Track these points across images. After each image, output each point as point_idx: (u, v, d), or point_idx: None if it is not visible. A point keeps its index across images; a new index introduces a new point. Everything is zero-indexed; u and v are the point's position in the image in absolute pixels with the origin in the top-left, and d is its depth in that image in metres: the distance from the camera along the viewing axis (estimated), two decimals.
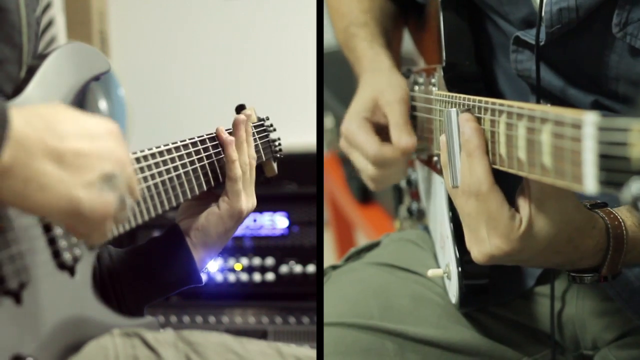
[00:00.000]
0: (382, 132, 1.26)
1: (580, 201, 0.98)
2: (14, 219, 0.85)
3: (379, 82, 1.30)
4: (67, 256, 0.92)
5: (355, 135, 1.26)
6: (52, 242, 0.90)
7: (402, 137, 1.22)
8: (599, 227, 0.99)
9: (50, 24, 2.30)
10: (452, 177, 1.03)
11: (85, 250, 0.95)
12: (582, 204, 0.99)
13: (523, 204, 0.96)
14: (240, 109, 1.29)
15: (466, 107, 1.03)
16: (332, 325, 1.20)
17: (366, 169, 1.27)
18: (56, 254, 0.91)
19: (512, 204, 0.98)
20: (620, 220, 1.00)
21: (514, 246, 0.96)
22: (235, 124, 1.18)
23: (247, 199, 1.16)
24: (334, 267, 1.35)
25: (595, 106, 1.13)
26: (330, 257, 2.68)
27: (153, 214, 1.04)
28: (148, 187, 1.03)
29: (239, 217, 1.15)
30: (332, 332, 1.19)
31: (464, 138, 0.99)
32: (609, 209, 1.01)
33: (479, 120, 0.99)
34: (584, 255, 0.99)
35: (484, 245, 0.99)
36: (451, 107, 1.09)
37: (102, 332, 0.96)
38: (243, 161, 1.16)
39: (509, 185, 0.99)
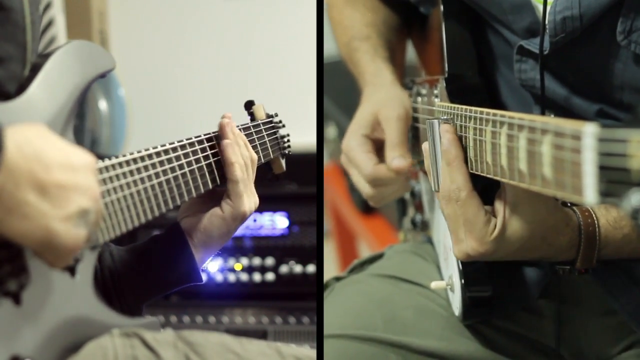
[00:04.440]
0: (383, 147, 1.27)
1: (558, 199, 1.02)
2: None
3: (380, 97, 1.30)
4: None
5: (353, 153, 1.28)
6: None
7: (395, 159, 1.24)
8: (572, 225, 1.05)
9: (50, 24, 2.29)
10: (434, 182, 1.09)
11: (86, 250, 0.95)
12: (557, 205, 1.04)
13: (499, 208, 1.04)
14: (249, 105, 1.29)
15: (450, 116, 1.08)
16: (336, 337, 1.20)
17: (364, 187, 1.29)
18: None
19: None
20: (594, 217, 1.05)
21: (487, 248, 1.04)
22: (221, 128, 1.15)
23: (249, 199, 1.15)
24: (337, 279, 1.34)
25: (600, 115, 1.13)
26: (332, 267, 2.67)
27: (157, 213, 1.03)
28: (152, 186, 1.02)
29: (242, 219, 1.14)
30: (336, 343, 1.19)
31: (443, 149, 1.07)
32: (585, 206, 1.03)
33: (481, 131, 1.00)
34: (558, 250, 1.06)
35: (462, 245, 1.06)
36: (453, 118, 1.09)
37: (101, 332, 0.96)
38: (239, 163, 1.15)
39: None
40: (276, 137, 1.29)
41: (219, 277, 2.22)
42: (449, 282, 1.19)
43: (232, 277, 2.22)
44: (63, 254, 0.85)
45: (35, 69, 0.96)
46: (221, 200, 1.14)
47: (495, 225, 1.03)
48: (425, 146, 1.12)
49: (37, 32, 1.01)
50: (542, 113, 1.14)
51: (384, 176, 1.26)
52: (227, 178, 1.14)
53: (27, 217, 0.79)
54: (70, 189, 0.83)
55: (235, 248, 2.22)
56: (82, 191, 0.84)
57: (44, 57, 0.98)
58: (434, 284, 1.21)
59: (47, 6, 2.27)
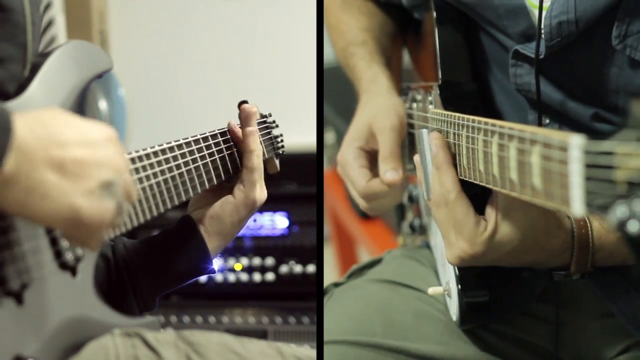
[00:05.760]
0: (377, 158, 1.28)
1: None
2: (17, 219, 0.85)
3: (374, 107, 1.30)
4: (69, 256, 0.92)
5: (347, 167, 1.28)
6: (54, 242, 0.90)
7: (387, 172, 1.24)
8: (564, 227, 1.05)
9: (50, 24, 2.29)
10: (427, 191, 1.11)
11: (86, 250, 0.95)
12: (548, 209, 1.02)
13: (490, 211, 1.05)
14: (242, 105, 1.29)
15: (443, 124, 1.10)
16: (335, 343, 1.20)
17: (359, 201, 1.29)
18: (58, 254, 0.91)
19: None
20: (587, 220, 1.05)
21: (478, 250, 1.04)
22: (250, 115, 1.19)
23: (261, 189, 1.17)
24: (336, 284, 1.34)
25: (595, 119, 1.13)
26: (331, 272, 2.67)
27: (163, 209, 1.05)
28: (157, 183, 1.03)
29: (252, 207, 1.16)
30: (335, 349, 1.19)
31: (432, 154, 1.09)
32: None
33: (473, 140, 1.01)
34: (551, 254, 1.06)
35: (454, 248, 1.06)
36: (446, 125, 1.10)
37: (103, 332, 0.96)
38: (258, 152, 1.18)
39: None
40: (270, 137, 1.29)
41: (219, 277, 2.23)
42: (446, 287, 1.20)
43: (232, 277, 2.23)
44: (93, 229, 0.84)
45: (34, 69, 0.96)
46: (234, 188, 1.16)
47: (486, 227, 1.04)
48: (416, 158, 1.15)
49: (37, 33, 1.01)
50: (539, 118, 1.14)
51: (377, 191, 1.26)
52: (244, 165, 1.17)
53: (48, 196, 0.79)
54: (88, 164, 0.82)
55: (235, 248, 2.23)
56: (102, 164, 0.84)
57: (42, 57, 0.98)
58: (431, 290, 1.21)
59: (47, 6, 2.27)
